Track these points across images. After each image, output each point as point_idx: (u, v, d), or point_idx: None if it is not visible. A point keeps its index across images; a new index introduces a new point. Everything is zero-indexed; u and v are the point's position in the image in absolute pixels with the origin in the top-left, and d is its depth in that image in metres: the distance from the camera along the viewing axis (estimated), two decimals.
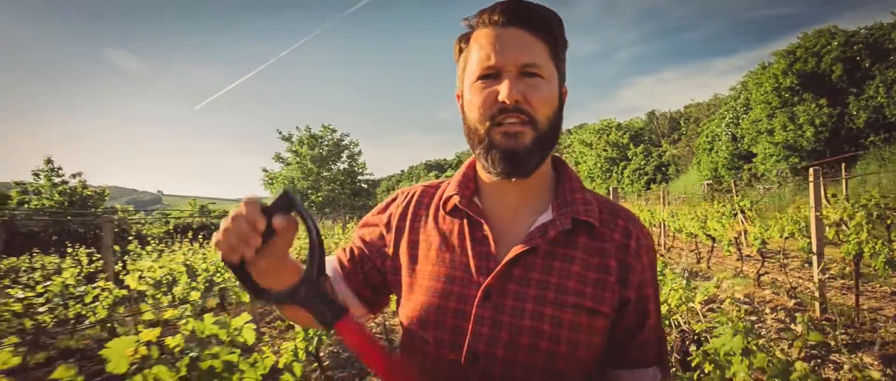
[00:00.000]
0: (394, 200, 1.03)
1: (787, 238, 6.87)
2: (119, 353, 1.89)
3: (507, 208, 0.91)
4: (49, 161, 13.68)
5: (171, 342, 2.19)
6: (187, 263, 5.34)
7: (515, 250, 0.83)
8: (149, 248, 8.74)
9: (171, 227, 17.91)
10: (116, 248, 9.85)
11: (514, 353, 0.80)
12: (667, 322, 3.06)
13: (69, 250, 10.97)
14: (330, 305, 0.72)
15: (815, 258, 5.62)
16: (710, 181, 25.00)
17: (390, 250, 0.97)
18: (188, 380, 2.15)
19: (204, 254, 7.81)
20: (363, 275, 0.98)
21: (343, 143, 35.84)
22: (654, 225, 14.14)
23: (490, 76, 0.82)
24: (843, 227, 5.50)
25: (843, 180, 12.67)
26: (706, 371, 2.28)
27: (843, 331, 4.87)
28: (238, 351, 2.20)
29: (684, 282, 3.00)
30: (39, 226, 13.08)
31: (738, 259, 8.58)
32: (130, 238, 10.46)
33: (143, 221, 16.21)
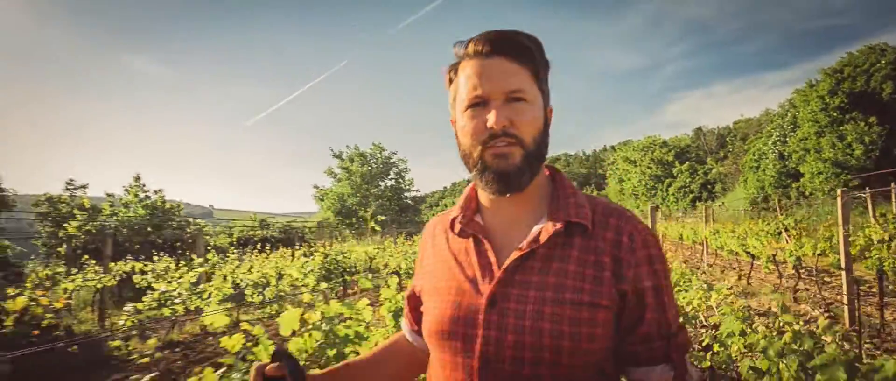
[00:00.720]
0: (421, 240, 1.15)
1: (819, 255, 7.25)
2: (288, 321, 2.74)
3: (505, 221, 0.96)
4: (137, 178, 15.26)
5: (312, 317, 3.04)
6: (279, 269, 6.26)
7: (512, 257, 0.89)
8: (231, 256, 9.83)
9: (234, 239, 19.31)
10: (198, 257, 11.06)
11: (521, 352, 0.84)
12: (691, 319, 3.70)
13: (155, 257, 12.23)
14: None
15: (843, 274, 6.06)
16: (720, 204, 24.64)
17: (421, 282, 1.08)
18: (327, 343, 2.98)
19: (275, 264, 8.78)
20: (417, 317, 1.10)
21: (391, 161, 37.14)
22: (698, 243, 14.36)
23: (479, 104, 0.89)
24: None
25: (894, 199, 12.65)
26: (715, 350, 2.94)
27: (868, 341, 5.30)
28: (363, 324, 3.03)
29: (705, 287, 3.64)
30: (124, 236, 14.56)
31: (778, 276, 8.92)
32: (209, 248, 11.64)
33: (210, 233, 17.61)
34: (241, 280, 6.00)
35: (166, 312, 4.81)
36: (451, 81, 0.97)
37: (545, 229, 0.89)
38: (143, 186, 15.43)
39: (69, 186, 15.33)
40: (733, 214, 23.71)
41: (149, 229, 15.08)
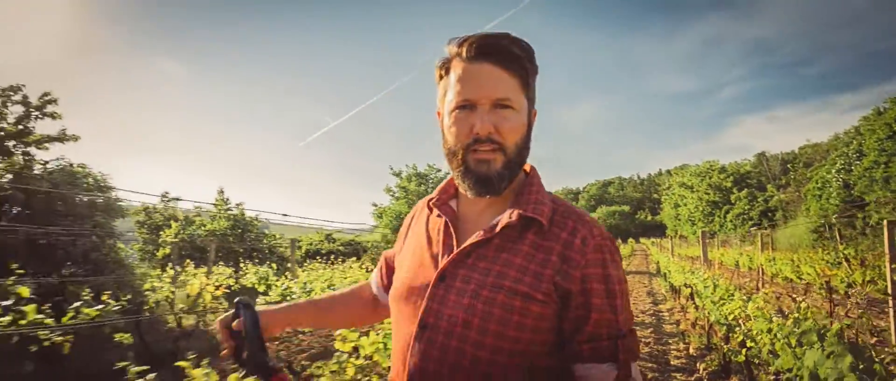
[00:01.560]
0: (408, 215, 1.24)
1: (868, 282, 7.57)
2: None
3: (476, 210, 1.03)
4: (221, 192, 16.96)
5: None
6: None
7: (468, 242, 0.95)
8: (315, 265, 10.98)
9: (302, 251, 20.73)
10: (274, 265, 12.30)
11: (454, 326, 0.90)
12: (734, 328, 4.34)
13: (241, 264, 13.52)
14: (263, 369, 1.03)
15: (890, 300, 6.45)
16: (794, 225, 23.94)
17: (399, 250, 1.19)
18: None
19: (360, 271, 9.78)
20: (386, 274, 1.25)
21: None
22: (753, 270, 14.43)
23: (466, 107, 0.93)
24: None
25: None
26: (748, 345, 3.63)
27: None
28: None
29: (744, 298, 4.29)
30: (208, 245, 16.05)
31: (831, 303, 9.16)
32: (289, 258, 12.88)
33: (282, 245, 19.06)
34: (336, 284, 7.00)
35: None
36: (440, 76, 1.00)
37: (501, 220, 0.95)
38: (227, 199, 17.07)
39: (164, 198, 17.12)
40: (794, 242, 23.22)
41: (231, 238, 16.61)
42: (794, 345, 2.44)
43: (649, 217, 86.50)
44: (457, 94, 0.94)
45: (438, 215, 1.06)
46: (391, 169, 39.02)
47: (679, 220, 51.78)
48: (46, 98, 12.67)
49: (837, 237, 14.27)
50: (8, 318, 4.17)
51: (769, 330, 3.35)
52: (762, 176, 45.66)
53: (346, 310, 1.28)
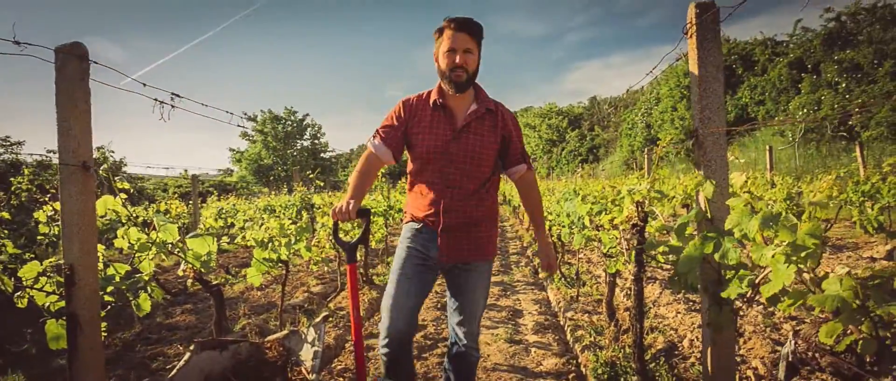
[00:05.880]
0: (402, 105, 2.10)
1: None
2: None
3: (457, 105, 2.05)
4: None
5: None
6: (269, 205, 8.58)
7: (463, 122, 2.01)
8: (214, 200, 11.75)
9: (170, 193, 20.49)
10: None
11: (463, 157, 1.99)
12: (549, 215, 6.67)
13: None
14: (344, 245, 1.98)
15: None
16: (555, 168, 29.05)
17: (406, 125, 2.08)
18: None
19: (267, 202, 10.88)
20: (393, 142, 2.08)
21: (305, 123, 38.41)
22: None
23: (451, 51, 1.91)
24: None
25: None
26: (554, 221, 5.89)
27: None
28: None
29: (558, 198, 6.61)
30: None
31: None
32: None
33: (151, 188, 18.72)
34: (241, 211, 8.20)
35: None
36: (438, 36, 1.97)
37: (476, 111, 2.03)
38: (101, 147, 16.33)
39: (4, 142, 15.82)
40: (611, 174, 28.19)
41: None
42: (564, 204, 4.63)
43: None
44: (448, 42, 1.92)
45: (436, 109, 2.04)
46: (245, 114, 38.11)
47: None
48: None
49: (635, 167, 18.18)
50: None
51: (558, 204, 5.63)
52: (593, 118, 51.69)
53: (371, 179, 2.08)
